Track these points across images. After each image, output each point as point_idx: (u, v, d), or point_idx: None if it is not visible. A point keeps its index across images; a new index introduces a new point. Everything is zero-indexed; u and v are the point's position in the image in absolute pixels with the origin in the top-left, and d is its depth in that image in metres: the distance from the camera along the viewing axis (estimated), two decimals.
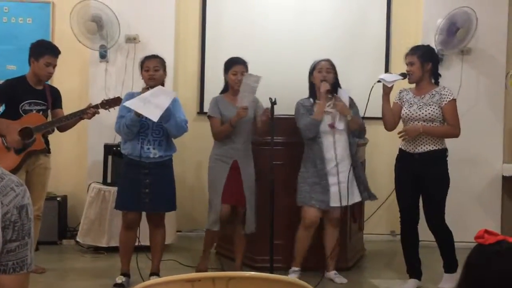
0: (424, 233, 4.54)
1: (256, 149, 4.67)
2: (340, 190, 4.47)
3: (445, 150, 4.39)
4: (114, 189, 4.90)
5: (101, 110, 4.47)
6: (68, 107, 4.79)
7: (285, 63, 5.82)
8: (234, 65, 4.55)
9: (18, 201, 1.52)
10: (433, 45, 5.70)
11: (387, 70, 6.08)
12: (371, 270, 5.04)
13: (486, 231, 1.46)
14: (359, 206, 5.30)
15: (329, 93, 4.50)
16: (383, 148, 5.66)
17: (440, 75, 4.49)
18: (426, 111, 4.32)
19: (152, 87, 4.27)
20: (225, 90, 4.66)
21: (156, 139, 4.28)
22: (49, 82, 4.90)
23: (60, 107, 4.73)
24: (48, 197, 5.23)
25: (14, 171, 4.23)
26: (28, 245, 1.54)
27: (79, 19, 5.59)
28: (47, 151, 4.60)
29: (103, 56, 5.75)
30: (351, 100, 4.61)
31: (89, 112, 4.42)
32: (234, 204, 4.53)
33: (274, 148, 4.38)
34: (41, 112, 4.53)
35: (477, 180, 5.94)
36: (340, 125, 4.54)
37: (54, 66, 4.55)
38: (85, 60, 5.87)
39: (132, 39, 5.76)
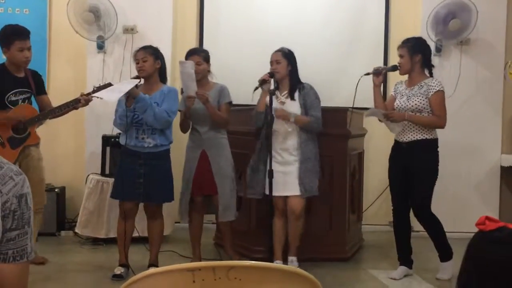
0: (418, 223, 4.54)
1: (247, 140, 4.64)
2: (284, 180, 4.37)
3: (434, 141, 4.38)
4: (112, 180, 4.87)
5: (94, 99, 4.39)
6: (66, 98, 4.73)
7: None
8: (189, 56, 4.50)
9: (18, 190, 1.51)
10: (431, 36, 5.71)
11: (385, 62, 6.07)
12: (370, 260, 5.06)
13: (487, 218, 1.47)
14: (358, 198, 5.32)
15: (265, 85, 4.35)
16: (380, 139, 5.66)
17: (433, 66, 4.49)
18: (413, 101, 4.34)
19: (143, 77, 4.30)
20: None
21: (150, 128, 4.27)
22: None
23: (45, 92, 4.61)
24: (46, 188, 5.21)
25: None
26: (28, 234, 1.54)
27: (76, 10, 5.57)
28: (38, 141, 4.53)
29: (100, 46, 5.74)
30: (312, 94, 4.47)
31: (81, 100, 4.30)
32: (208, 194, 4.53)
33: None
34: (26, 101, 4.41)
35: (475, 170, 5.95)
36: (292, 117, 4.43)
37: (29, 48, 4.36)
38: (82, 51, 5.85)
39: (129, 30, 5.74)
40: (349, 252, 4.98)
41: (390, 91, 4.59)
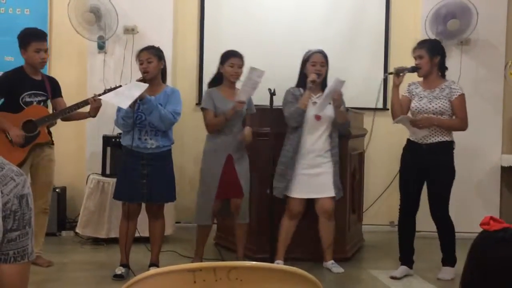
0: (422, 224, 4.55)
1: (253, 140, 4.65)
2: (317, 182, 4.44)
3: (452, 142, 4.44)
4: (113, 181, 4.90)
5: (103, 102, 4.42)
6: (66, 98, 4.77)
7: (284, 55, 5.81)
8: (232, 57, 4.53)
9: (18, 191, 1.51)
10: (431, 36, 5.71)
11: (386, 62, 6.09)
12: (370, 260, 5.06)
13: (492, 218, 1.46)
14: (358, 198, 5.32)
15: (315, 84, 4.46)
16: (380, 139, 5.67)
17: (447, 68, 4.50)
18: (436, 104, 4.35)
19: (148, 79, 4.27)
20: (216, 81, 4.61)
21: (153, 129, 4.27)
22: (47, 73, 4.88)
23: (61, 95, 4.69)
24: None
25: (20, 165, 4.20)
26: (29, 235, 1.54)
27: (77, 10, 5.58)
28: (51, 142, 4.58)
29: (101, 47, 5.74)
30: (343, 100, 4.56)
31: (91, 100, 4.32)
32: (231, 197, 4.53)
33: (272, 139, 4.38)
34: (41, 103, 4.50)
35: (476, 171, 5.95)
36: (326, 118, 4.50)
37: (45, 50, 4.48)
38: (83, 51, 5.85)
39: (130, 30, 5.75)
40: (349, 252, 4.98)
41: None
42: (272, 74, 5.40)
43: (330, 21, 6.12)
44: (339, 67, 6.05)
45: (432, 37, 5.72)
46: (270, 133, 4.42)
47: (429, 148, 4.37)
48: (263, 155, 4.58)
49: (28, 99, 4.44)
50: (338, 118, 4.50)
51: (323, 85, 4.59)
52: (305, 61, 4.59)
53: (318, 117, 4.47)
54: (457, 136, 5.59)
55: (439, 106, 4.35)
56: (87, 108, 4.45)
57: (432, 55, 4.39)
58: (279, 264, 4.32)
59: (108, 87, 4.38)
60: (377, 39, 6.16)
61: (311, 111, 4.47)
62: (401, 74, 4.41)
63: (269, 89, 4.35)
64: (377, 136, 5.79)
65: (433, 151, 4.36)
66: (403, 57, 6.01)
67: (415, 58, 4.45)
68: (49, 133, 4.60)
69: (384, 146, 5.84)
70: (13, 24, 5.76)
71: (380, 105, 6.00)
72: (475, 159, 5.93)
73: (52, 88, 4.60)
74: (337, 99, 4.44)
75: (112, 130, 5.24)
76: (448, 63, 5.86)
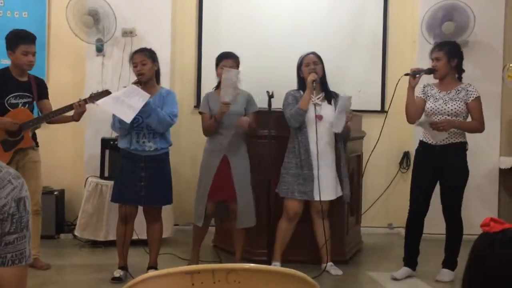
0: (428, 226, 4.55)
1: (252, 142, 4.66)
2: (319, 184, 4.43)
3: (465, 143, 4.47)
4: (111, 183, 4.88)
5: (90, 105, 4.39)
6: (65, 101, 4.74)
7: (282, 57, 5.80)
8: (223, 59, 4.53)
9: (16, 194, 1.51)
10: (428, 38, 5.72)
11: (383, 64, 6.09)
12: (369, 262, 5.06)
13: (492, 219, 1.45)
14: (357, 201, 5.32)
15: (316, 83, 4.47)
16: (381, 142, 5.66)
17: (464, 71, 4.51)
18: (452, 106, 4.36)
19: (142, 82, 4.26)
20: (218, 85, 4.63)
21: (151, 132, 4.26)
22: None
23: (47, 97, 4.64)
24: (45, 191, 5.22)
25: None
26: (27, 238, 1.54)
27: (75, 13, 5.57)
28: (35, 145, 4.54)
29: (99, 49, 5.74)
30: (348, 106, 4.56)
31: (76, 105, 4.31)
32: (225, 199, 4.52)
33: (271, 141, 4.38)
34: (27, 105, 4.44)
35: (474, 173, 5.91)
36: (327, 119, 4.50)
37: (33, 53, 4.45)
38: (81, 54, 5.85)
39: (128, 33, 5.74)
40: (348, 254, 4.98)
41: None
42: (270, 77, 5.42)
43: (328, 23, 6.12)
44: (338, 69, 6.08)
45: (429, 39, 5.73)
46: (268, 135, 4.42)
47: (443, 149, 4.39)
48: (262, 157, 4.58)
49: (13, 101, 4.40)
50: (344, 133, 4.53)
51: (323, 85, 4.60)
52: (299, 66, 4.62)
53: (319, 117, 4.48)
54: None
55: (455, 108, 4.35)
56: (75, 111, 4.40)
57: (450, 57, 4.39)
58: (276, 266, 4.33)
59: (95, 91, 4.35)
60: (375, 41, 6.16)
61: (312, 112, 4.48)
62: (417, 75, 4.41)
63: (267, 92, 4.35)
64: (376, 138, 5.78)
65: (446, 152, 4.38)
66: (401, 59, 6.04)
67: (432, 60, 4.45)
68: (33, 135, 4.55)
69: (383, 148, 5.83)
70: (11, 27, 5.65)
71: (378, 107, 6.02)
72: (473, 161, 5.88)
73: (38, 90, 4.54)
74: (349, 116, 4.46)
75: (111, 133, 5.23)
76: None
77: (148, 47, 4.48)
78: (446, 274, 4.41)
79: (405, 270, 4.48)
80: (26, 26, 5.67)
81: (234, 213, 4.50)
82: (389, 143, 5.35)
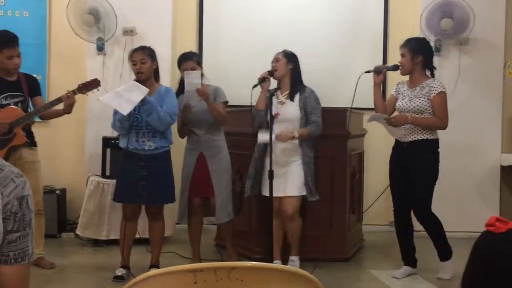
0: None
1: (251, 141, 4.65)
2: (282, 181, 4.35)
3: (435, 141, 4.38)
4: (112, 182, 4.90)
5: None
6: None
7: None
8: (182, 62, 4.49)
9: (18, 192, 1.51)
10: (429, 35, 5.72)
11: (384, 61, 6.08)
12: (370, 260, 5.06)
13: (498, 219, 1.43)
14: (358, 199, 5.32)
15: (267, 80, 4.36)
16: (380, 139, 5.67)
17: (435, 68, 4.49)
18: (415, 103, 4.34)
19: (142, 80, 4.26)
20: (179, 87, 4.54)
21: (150, 131, 4.27)
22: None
23: (39, 94, 4.60)
24: (47, 190, 5.23)
25: None
26: (29, 236, 1.54)
27: (76, 12, 5.58)
28: (30, 144, 4.46)
29: (100, 48, 5.75)
30: (313, 99, 4.47)
31: (64, 97, 4.28)
32: (205, 196, 4.55)
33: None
34: (19, 104, 4.41)
35: (475, 170, 5.95)
36: (287, 117, 4.41)
37: (18, 55, 4.38)
38: (82, 53, 5.85)
39: (129, 32, 5.75)
40: (349, 252, 4.98)
41: (390, 91, 4.57)
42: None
43: (329, 21, 6.12)
44: (338, 66, 6.09)
45: (430, 36, 5.73)
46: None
47: (409, 146, 4.35)
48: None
49: (4, 102, 4.37)
50: (302, 140, 4.41)
51: (292, 82, 4.49)
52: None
53: (276, 115, 4.37)
54: (456, 135, 5.61)
55: (418, 105, 4.32)
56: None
57: (414, 54, 4.35)
58: (277, 264, 4.32)
59: (82, 82, 4.33)
60: (376, 37, 6.16)
61: (275, 111, 4.36)
62: (378, 71, 4.40)
63: (268, 90, 4.36)
64: (377, 136, 5.79)
65: (413, 149, 4.33)
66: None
67: (401, 56, 4.44)
68: (30, 134, 4.51)
69: (384, 146, 5.82)
70: (12, 26, 5.68)
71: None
72: (474, 159, 5.93)
73: (29, 87, 4.50)
74: (284, 139, 4.34)
75: (112, 131, 5.22)
76: (447, 63, 5.91)
77: (149, 45, 4.47)
78: (446, 270, 4.40)
79: (405, 269, 4.49)
80: (26, 25, 5.70)
81: (214, 209, 4.54)
82: (391, 140, 5.31)
